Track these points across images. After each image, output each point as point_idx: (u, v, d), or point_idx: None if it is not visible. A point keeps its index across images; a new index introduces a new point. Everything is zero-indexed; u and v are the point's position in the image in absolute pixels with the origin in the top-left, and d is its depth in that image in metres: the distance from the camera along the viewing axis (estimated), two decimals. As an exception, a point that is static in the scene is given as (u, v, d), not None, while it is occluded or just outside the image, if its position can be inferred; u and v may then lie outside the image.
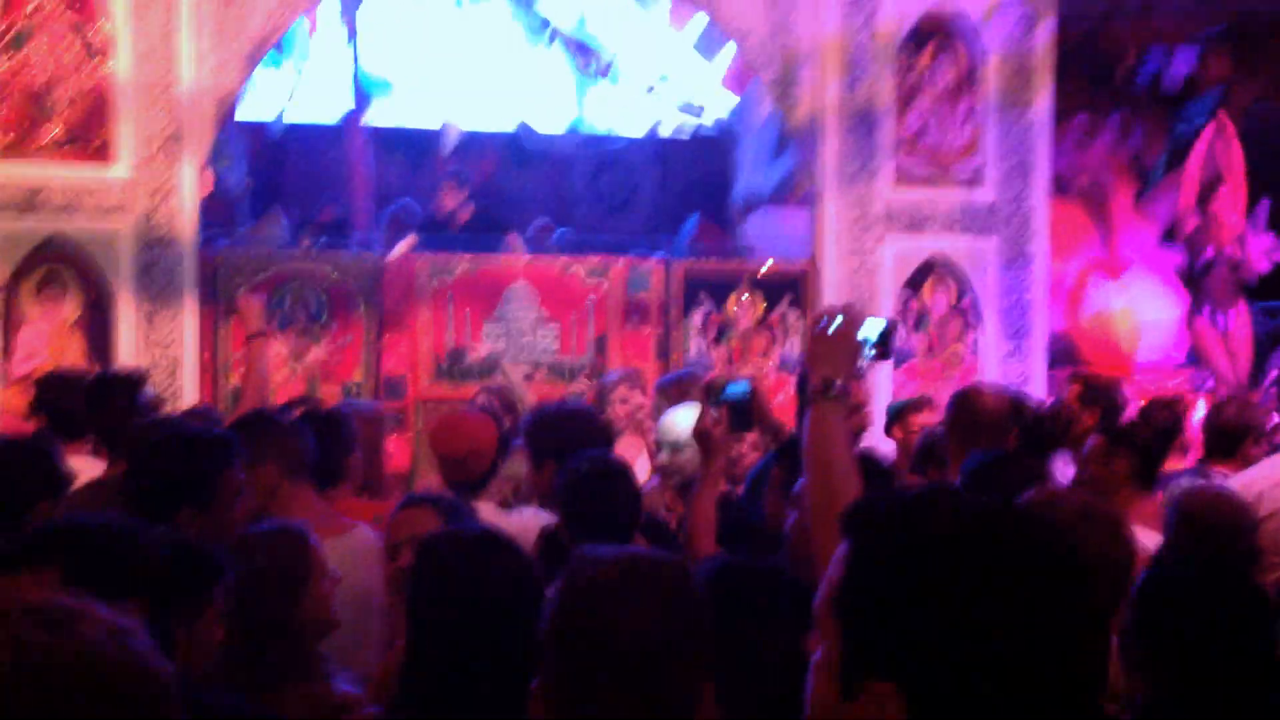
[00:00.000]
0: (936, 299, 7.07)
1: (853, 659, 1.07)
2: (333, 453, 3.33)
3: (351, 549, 2.93)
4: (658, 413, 4.46)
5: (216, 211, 7.22)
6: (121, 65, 6.27)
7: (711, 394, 3.26)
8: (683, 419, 3.80)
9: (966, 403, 3.79)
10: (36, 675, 1.03)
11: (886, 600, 1.05)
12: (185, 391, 6.29)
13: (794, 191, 7.42)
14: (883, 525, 1.10)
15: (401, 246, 7.16)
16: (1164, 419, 4.26)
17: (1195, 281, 8.09)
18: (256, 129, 8.76)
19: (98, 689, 1.05)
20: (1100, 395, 4.81)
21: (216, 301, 6.42)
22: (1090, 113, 7.91)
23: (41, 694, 1.03)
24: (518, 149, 10.95)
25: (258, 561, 2.39)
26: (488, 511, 3.27)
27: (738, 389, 3.25)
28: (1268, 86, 8.01)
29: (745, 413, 3.25)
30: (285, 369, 6.48)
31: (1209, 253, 7.98)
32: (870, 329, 2.22)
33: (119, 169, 6.30)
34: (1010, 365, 6.99)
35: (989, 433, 3.61)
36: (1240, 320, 8.05)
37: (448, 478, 3.48)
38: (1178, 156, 8.53)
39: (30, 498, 2.73)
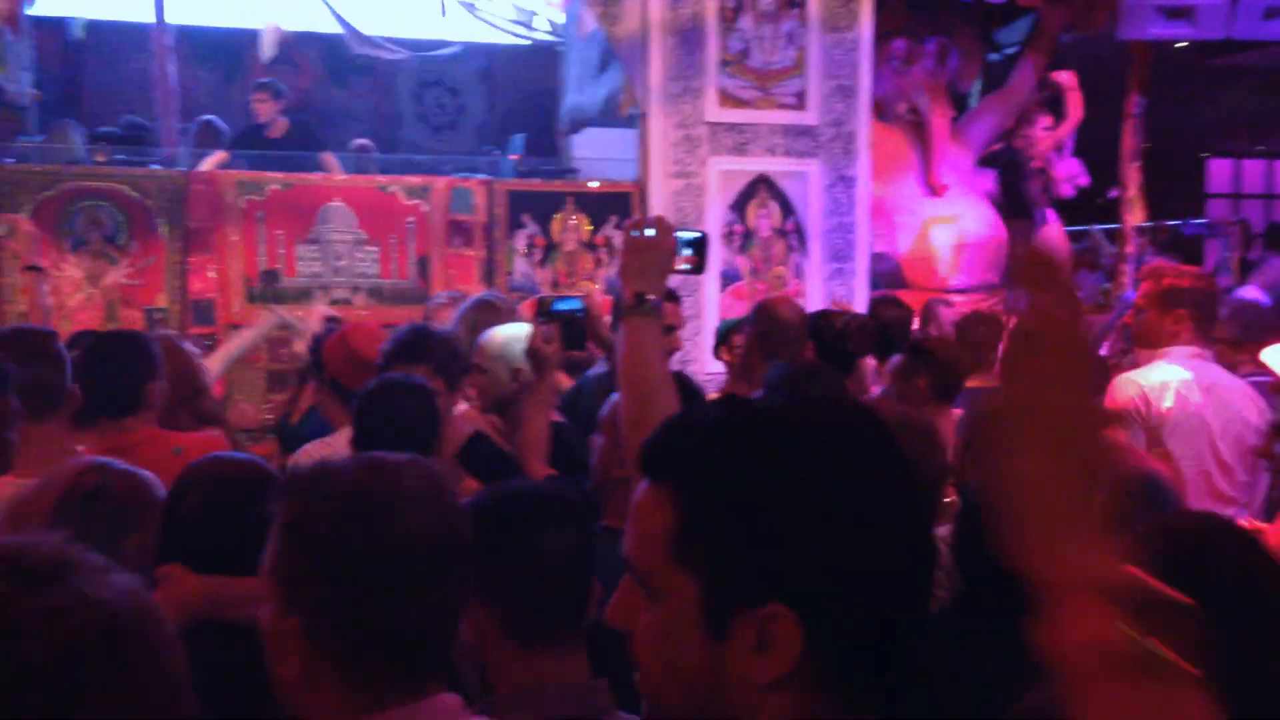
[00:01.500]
0: (760, 220, 7.11)
1: (722, 594, 1.02)
2: (125, 379, 3.09)
3: None
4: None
5: (2, 122, 6.71)
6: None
7: (542, 310, 3.18)
8: (490, 340, 3.71)
9: (765, 314, 3.82)
10: (15, 641, 0.90)
11: (753, 514, 1.00)
12: (-32, 317, 5.86)
13: (619, 110, 7.32)
14: (723, 445, 1.04)
15: (210, 162, 6.79)
16: (980, 334, 4.38)
17: (1016, 191, 8.38)
18: (49, 29, 8.15)
19: (96, 653, 0.93)
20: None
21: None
22: (907, 38, 8.02)
23: (22, 661, 0.90)
24: (339, 60, 10.52)
25: None
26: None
27: (569, 305, 3.18)
28: (1077, 15, 8.24)
29: (578, 329, 3.19)
30: (80, 294, 6.10)
31: (1026, 169, 8.29)
32: (682, 241, 2.18)
33: (-116, 74, 5.77)
34: (834, 287, 7.10)
35: (787, 344, 3.65)
36: (1057, 236, 8.40)
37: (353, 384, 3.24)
38: (992, 82, 8.76)
39: None
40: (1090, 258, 9.05)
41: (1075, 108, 8.43)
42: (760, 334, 3.78)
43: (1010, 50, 8.91)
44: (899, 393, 3.82)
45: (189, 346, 3.87)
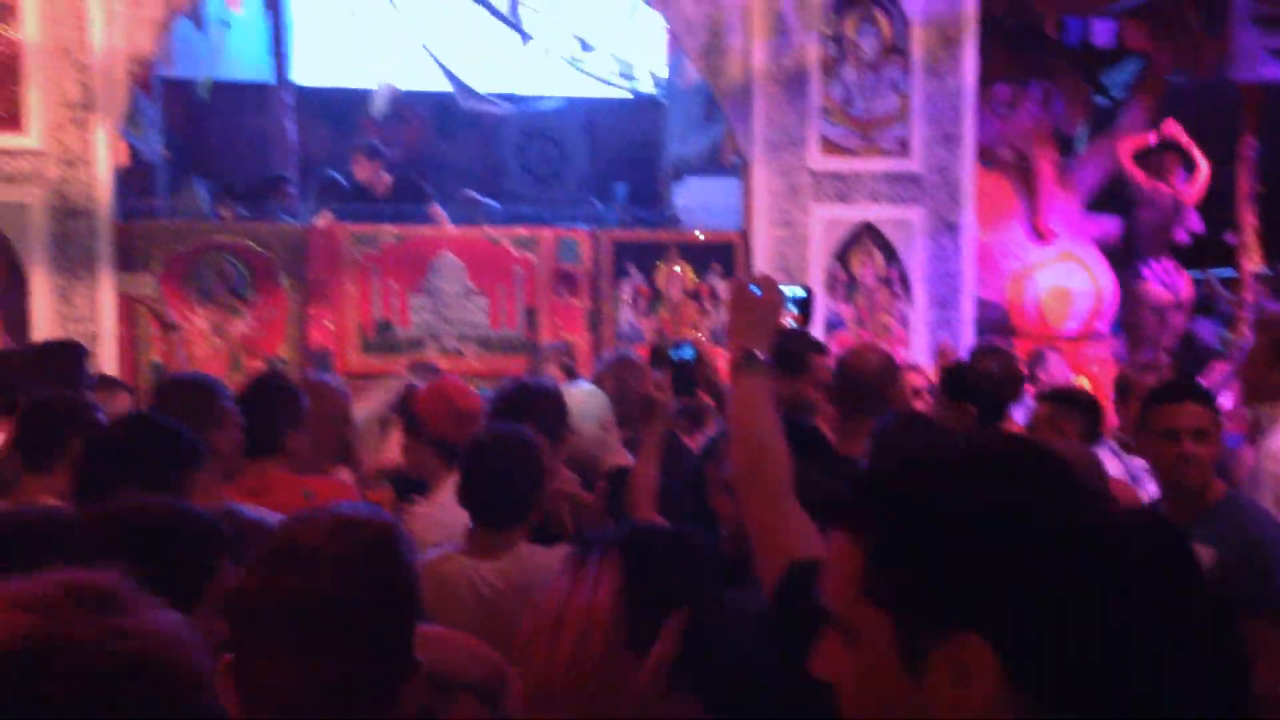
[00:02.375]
0: (864, 268, 7.11)
1: (915, 627, 1.05)
2: (268, 424, 3.19)
3: None
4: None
5: (133, 180, 7.04)
6: (29, 29, 6.06)
7: (658, 357, 3.24)
8: (570, 400, 3.68)
9: (842, 369, 3.80)
10: (78, 665, 0.96)
11: (939, 545, 1.05)
12: (104, 367, 6.14)
13: (722, 159, 7.41)
14: (929, 478, 1.10)
15: (325, 216, 7.03)
16: (992, 368, 4.29)
17: (1131, 243, 8.24)
18: (175, 91, 8.54)
19: (142, 685, 0.98)
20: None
21: (135, 274, 6.26)
22: (1011, 83, 7.97)
23: (81, 687, 0.96)
24: (446, 115, 10.81)
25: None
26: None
27: (683, 351, 3.24)
28: (1186, 57, 8.13)
29: (689, 376, 3.24)
30: (206, 345, 6.35)
31: (1144, 216, 8.15)
32: (788, 297, 2.22)
33: (29, 137, 6.10)
34: (938, 334, 7.06)
35: (869, 396, 3.63)
36: (1183, 285, 8.24)
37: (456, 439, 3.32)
38: (1099, 126, 8.65)
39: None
40: (1207, 304, 8.84)
41: (1199, 159, 8.28)
42: (841, 389, 3.76)
43: (1118, 94, 8.80)
44: (1049, 438, 3.80)
45: (339, 385, 3.93)
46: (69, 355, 3.94)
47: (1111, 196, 8.44)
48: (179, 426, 2.52)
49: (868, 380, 3.67)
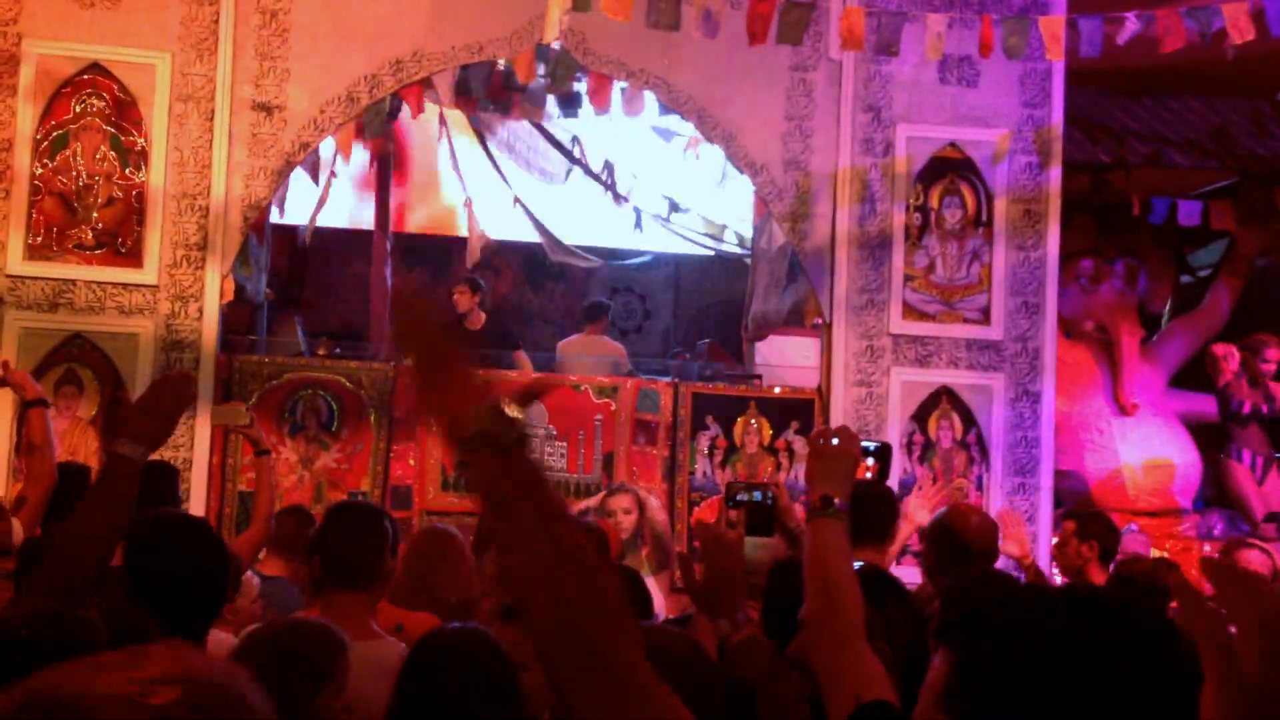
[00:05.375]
0: (942, 432, 7.13)
1: None
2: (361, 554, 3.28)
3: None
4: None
5: (238, 317, 7.38)
6: (156, 174, 6.49)
7: (729, 496, 3.29)
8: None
9: (950, 523, 3.81)
10: None
11: (1019, 673, 1.15)
12: (194, 494, 6.35)
13: (804, 319, 7.55)
14: (1017, 610, 1.21)
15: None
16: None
17: (1230, 425, 8.14)
18: (281, 235, 8.99)
19: None
20: (1094, 528, 4.84)
21: (228, 404, 6.50)
22: (1095, 258, 8.06)
23: None
24: (537, 266, 11.16)
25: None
26: None
27: (757, 492, 3.27)
28: (1272, 238, 8.16)
29: (765, 517, 3.24)
30: (293, 476, 6.55)
31: (1242, 399, 8.05)
32: (866, 450, 2.30)
33: (146, 273, 6.47)
34: (1016, 502, 7.00)
35: (974, 555, 3.63)
36: (1275, 475, 8.09)
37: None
38: (1185, 303, 8.66)
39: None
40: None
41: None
42: (939, 546, 3.78)
43: (1203, 272, 8.83)
44: None
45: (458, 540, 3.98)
46: (163, 475, 4.08)
47: (1202, 373, 8.38)
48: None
49: (967, 540, 3.68)
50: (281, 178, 6.73)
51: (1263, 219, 8.15)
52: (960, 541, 3.68)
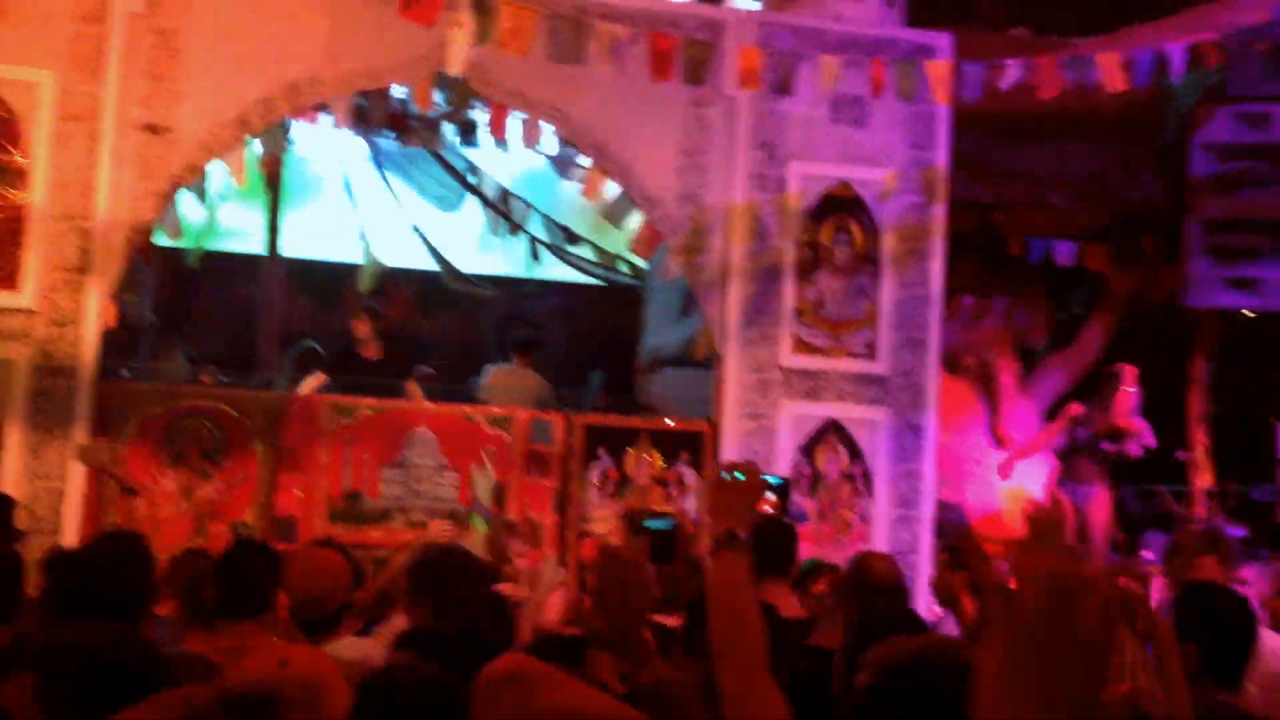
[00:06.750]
0: (829, 465, 7.26)
1: None
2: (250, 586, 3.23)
3: None
4: None
5: (119, 342, 7.17)
6: (37, 193, 6.30)
7: (632, 524, 3.31)
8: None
9: (860, 568, 3.87)
10: None
11: None
12: (66, 525, 6.13)
13: (696, 352, 7.63)
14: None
15: (309, 385, 7.14)
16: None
17: (1064, 459, 8.37)
18: (167, 258, 8.77)
19: None
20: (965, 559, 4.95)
21: (108, 435, 6.33)
22: (977, 295, 8.32)
23: None
24: (429, 293, 11.08)
25: None
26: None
27: (660, 521, 3.29)
28: (1144, 282, 8.52)
29: (667, 545, 3.28)
30: (172, 506, 6.37)
31: (1081, 434, 8.29)
32: (769, 483, 2.35)
33: (22, 297, 6.26)
34: (898, 532, 7.16)
35: (880, 596, 3.70)
36: (1098, 504, 8.22)
37: (301, 615, 3.38)
38: (1059, 340, 8.98)
39: None
40: (1161, 518, 9.00)
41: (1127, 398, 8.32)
42: (851, 586, 3.83)
43: (1078, 310, 9.17)
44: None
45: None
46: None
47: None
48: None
49: (876, 584, 3.74)
50: (167, 199, 6.58)
51: (1134, 261, 8.51)
52: (870, 585, 3.75)
